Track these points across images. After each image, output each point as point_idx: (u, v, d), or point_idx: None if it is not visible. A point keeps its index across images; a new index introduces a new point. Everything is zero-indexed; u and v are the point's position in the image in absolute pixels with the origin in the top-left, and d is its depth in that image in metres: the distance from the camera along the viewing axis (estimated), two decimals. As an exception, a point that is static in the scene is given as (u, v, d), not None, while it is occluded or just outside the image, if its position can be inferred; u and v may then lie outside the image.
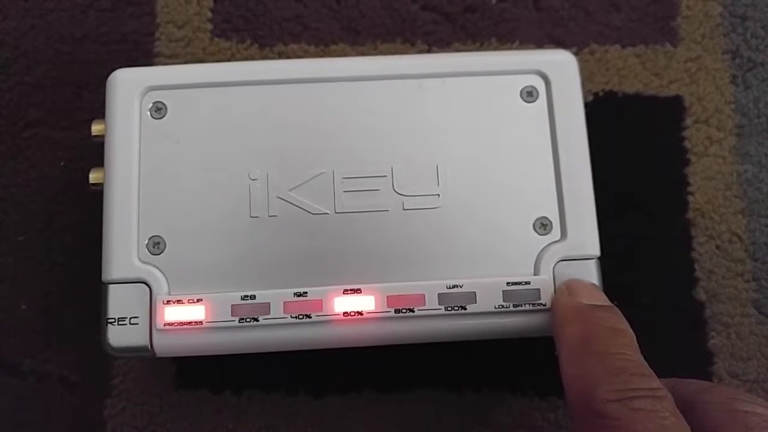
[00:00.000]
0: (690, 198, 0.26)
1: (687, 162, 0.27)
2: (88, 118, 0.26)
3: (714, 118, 0.27)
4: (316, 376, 0.25)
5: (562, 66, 0.23)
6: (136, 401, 0.25)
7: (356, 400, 0.25)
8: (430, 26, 0.28)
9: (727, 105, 0.27)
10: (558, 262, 0.21)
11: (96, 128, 0.22)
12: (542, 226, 0.22)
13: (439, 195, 0.22)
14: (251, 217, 0.21)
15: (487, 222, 0.22)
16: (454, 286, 0.21)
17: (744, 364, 0.25)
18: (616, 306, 0.20)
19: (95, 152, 0.23)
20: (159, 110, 0.22)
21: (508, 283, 0.21)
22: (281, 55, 0.27)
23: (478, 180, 0.22)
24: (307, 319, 0.21)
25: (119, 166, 0.22)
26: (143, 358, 0.25)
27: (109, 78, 0.22)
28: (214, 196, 0.22)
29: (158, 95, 0.22)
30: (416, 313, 0.21)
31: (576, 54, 0.27)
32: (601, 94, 0.27)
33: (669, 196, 0.26)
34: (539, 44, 0.28)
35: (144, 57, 0.27)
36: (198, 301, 0.21)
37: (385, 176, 0.22)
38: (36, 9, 0.28)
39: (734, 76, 0.27)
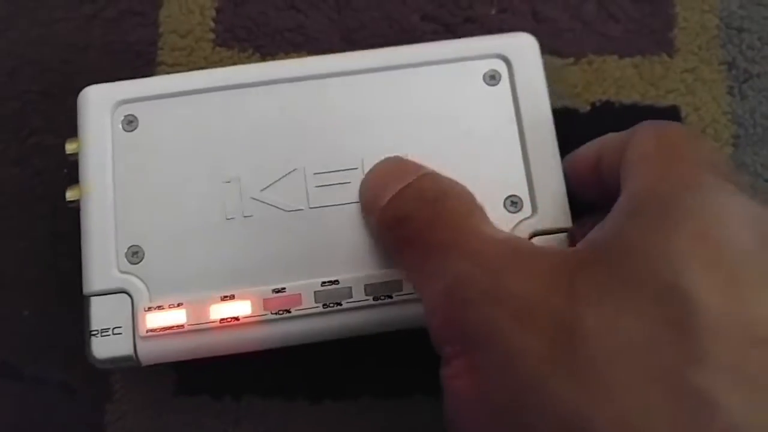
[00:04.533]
0: (687, 207, 0.27)
1: (684, 172, 0.27)
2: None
3: (710, 128, 0.27)
4: (314, 382, 0.25)
5: (522, 48, 0.23)
6: (137, 407, 0.25)
7: (353, 406, 0.25)
8: (430, 36, 0.28)
9: (724, 115, 0.27)
10: (531, 237, 0.22)
11: (70, 147, 0.23)
12: (513, 203, 0.22)
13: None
14: (227, 219, 0.22)
15: None
16: None
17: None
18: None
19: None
20: (130, 123, 0.23)
21: None
22: (282, 65, 0.28)
23: (448, 165, 0.22)
24: (287, 314, 0.21)
25: (94, 180, 0.22)
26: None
27: (80, 96, 0.23)
28: (188, 201, 0.22)
29: (129, 108, 0.23)
30: (395, 299, 0.21)
31: (574, 64, 0.28)
32: (598, 104, 0.27)
33: (666, 205, 0.27)
34: (538, 54, 0.28)
35: (147, 66, 0.28)
36: (178, 305, 0.21)
37: (356, 168, 0.22)
38: (43, 18, 0.28)
39: (730, 87, 0.27)
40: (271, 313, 0.21)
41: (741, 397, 0.13)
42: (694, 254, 0.14)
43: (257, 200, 0.22)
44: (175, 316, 0.21)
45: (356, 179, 0.22)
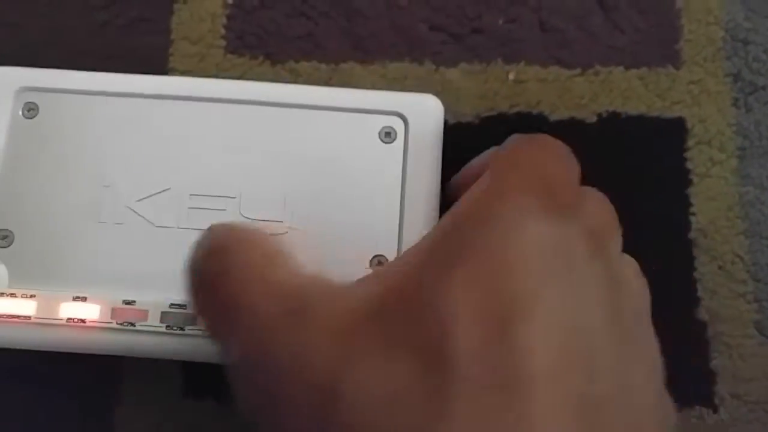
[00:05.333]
0: (692, 218, 0.27)
1: (689, 183, 0.27)
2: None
3: (716, 140, 0.27)
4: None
5: (422, 109, 0.23)
6: (145, 409, 0.25)
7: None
8: (438, 46, 0.28)
9: (729, 127, 0.27)
10: None
11: None
12: (379, 263, 0.22)
13: (283, 222, 0.22)
14: (99, 222, 0.22)
15: (326, 256, 0.21)
16: None
17: (746, 385, 0.25)
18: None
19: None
20: (30, 110, 0.23)
21: None
22: (292, 73, 0.28)
23: (324, 213, 0.22)
24: (131, 327, 0.21)
25: None
26: (151, 365, 0.25)
27: None
28: (67, 198, 0.22)
29: (32, 96, 0.23)
30: None
31: (580, 75, 0.28)
32: (604, 115, 0.27)
33: (671, 216, 0.27)
34: (544, 65, 0.28)
35: (158, 72, 0.28)
36: (31, 296, 0.21)
37: (233, 198, 0.22)
38: (57, 25, 0.29)
39: (736, 99, 0.28)
40: (117, 323, 0.21)
41: None
42: (466, 300, 0.14)
43: (131, 210, 0.22)
44: (25, 306, 0.21)
45: (232, 208, 0.22)
